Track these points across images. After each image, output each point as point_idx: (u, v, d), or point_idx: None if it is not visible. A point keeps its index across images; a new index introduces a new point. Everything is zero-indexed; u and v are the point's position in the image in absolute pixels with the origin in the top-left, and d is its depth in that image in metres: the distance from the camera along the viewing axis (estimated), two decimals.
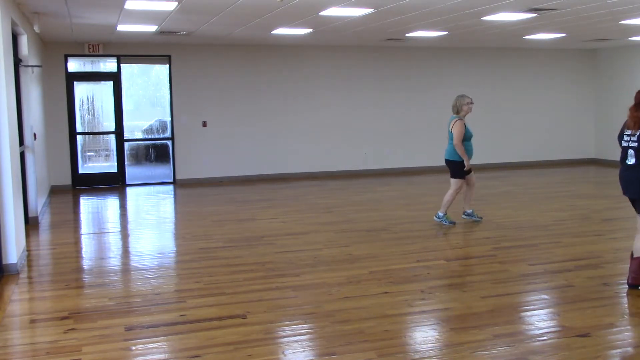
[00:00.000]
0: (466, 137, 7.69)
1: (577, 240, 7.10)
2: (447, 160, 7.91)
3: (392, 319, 4.56)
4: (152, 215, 9.63)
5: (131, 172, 12.47)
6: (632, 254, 5.24)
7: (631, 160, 5.08)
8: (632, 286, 5.17)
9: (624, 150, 5.15)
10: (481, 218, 8.10)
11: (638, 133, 5.02)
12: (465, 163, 7.69)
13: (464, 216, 8.13)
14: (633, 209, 5.31)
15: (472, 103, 7.79)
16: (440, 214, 7.92)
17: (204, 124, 12.57)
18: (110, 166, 12.35)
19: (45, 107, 11.30)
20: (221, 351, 3.96)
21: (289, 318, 4.64)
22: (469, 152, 7.74)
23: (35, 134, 8.97)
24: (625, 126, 5.20)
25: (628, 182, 5.18)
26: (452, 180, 7.83)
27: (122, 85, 12.17)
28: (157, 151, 12.78)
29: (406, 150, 13.85)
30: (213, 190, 11.62)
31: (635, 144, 5.02)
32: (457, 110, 7.77)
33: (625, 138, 5.14)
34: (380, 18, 8.87)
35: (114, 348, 4.07)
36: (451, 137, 7.72)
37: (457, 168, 7.77)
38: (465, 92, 8.21)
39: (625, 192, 5.28)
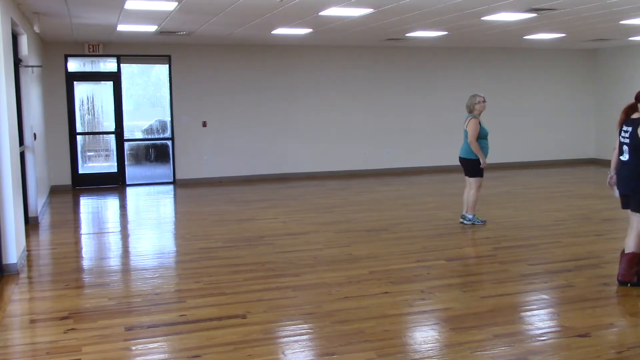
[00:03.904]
0: (481, 136, 7.72)
1: (577, 240, 7.10)
2: (462, 159, 7.93)
3: (392, 319, 4.56)
4: (152, 215, 9.63)
5: (131, 172, 12.47)
6: (622, 251, 5.28)
7: (625, 157, 5.13)
8: (622, 283, 5.22)
9: (620, 146, 5.20)
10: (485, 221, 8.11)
11: (630, 129, 5.06)
12: (482, 161, 7.72)
13: (462, 220, 8.02)
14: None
15: (484, 101, 7.84)
16: (469, 216, 7.89)
17: (204, 124, 12.58)
18: (110, 166, 12.35)
19: (45, 107, 11.30)
20: (221, 351, 3.96)
21: (289, 318, 4.64)
22: (484, 150, 7.77)
23: (35, 134, 8.97)
24: (622, 122, 5.27)
25: (620, 177, 5.22)
26: (471, 180, 7.84)
27: (122, 85, 12.17)
28: (157, 151, 12.78)
29: (406, 150, 13.84)
30: (213, 190, 11.62)
31: (628, 140, 5.07)
32: (470, 110, 7.84)
33: (623, 134, 5.18)
34: (380, 18, 8.87)
35: (114, 348, 4.07)
36: (466, 135, 7.76)
37: (473, 166, 7.79)
38: (465, 92, 8.24)
39: (617, 187, 5.32)
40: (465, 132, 7.79)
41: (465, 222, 7.93)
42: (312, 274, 5.79)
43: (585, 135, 15.21)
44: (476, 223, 7.89)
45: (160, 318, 4.63)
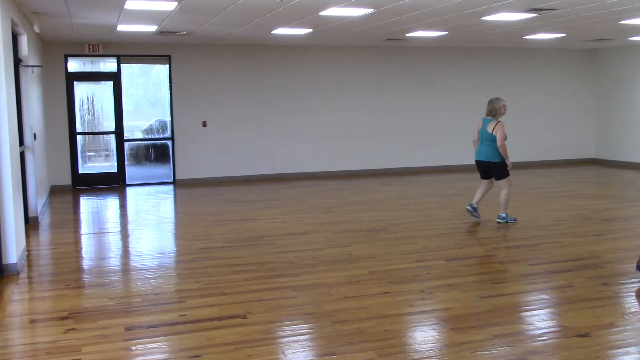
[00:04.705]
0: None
1: (577, 240, 7.10)
2: (484, 162, 7.93)
3: (392, 319, 4.56)
4: (152, 215, 9.63)
5: (131, 172, 12.47)
6: None
7: None
8: None
9: None
10: (479, 217, 8.15)
11: None
12: (508, 163, 7.78)
13: (469, 208, 8.14)
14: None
15: (506, 105, 7.91)
16: (503, 214, 7.99)
17: (204, 124, 12.58)
18: (110, 166, 12.35)
19: (45, 107, 11.30)
20: (221, 351, 3.96)
21: (289, 318, 4.64)
22: None
23: (35, 134, 8.97)
24: None
25: None
26: (502, 181, 7.89)
27: (122, 85, 12.18)
28: (157, 151, 12.78)
29: (406, 150, 13.85)
30: (213, 190, 11.62)
31: None
32: (494, 114, 7.85)
33: None
34: (380, 18, 8.87)
35: (114, 348, 4.06)
36: (490, 139, 7.76)
37: (500, 168, 7.84)
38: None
39: None
40: (489, 135, 7.76)
41: (499, 220, 8.00)
42: (312, 274, 5.79)
43: (585, 135, 15.21)
44: (510, 221, 7.97)
45: (160, 318, 4.63)
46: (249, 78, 12.76)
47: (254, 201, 10.28)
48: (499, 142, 7.69)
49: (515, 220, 8.04)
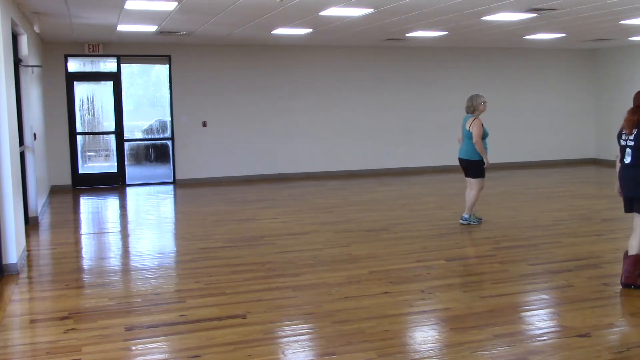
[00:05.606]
0: (482, 136, 7.69)
1: (577, 240, 7.10)
2: (464, 160, 7.86)
3: (392, 319, 4.56)
4: (152, 215, 9.63)
5: (131, 172, 12.47)
6: (626, 253, 5.27)
7: (627, 159, 5.12)
8: (626, 285, 5.18)
9: (622, 149, 5.19)
10: (481, 220, 8.10)
11: (635, 132, 5.05)
12: (485, 161, 7.69)
13: (462, 221, 8.01)
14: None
15: (486, 102, 7.85)
16: (466, 215, 7.90)
17: (204, 124, 12.58)
18: (110, 166, 12.35)
19: (45, 107, 11.30)
20: (221, 351, 3.96)
21: (289, 318, 4.64)
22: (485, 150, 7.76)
23: (35, 134, 8.97)
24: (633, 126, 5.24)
25: (624, 180, 5.21)
26: (474, 181, 7.80)
27: (122, 85, 12.17)
28: (157, 151, 12.78)
29: (406, 150, 13.84)
30: (213, 190, 11.62)
31: (632, 143, 5.06)
32: (472, 110, 7.80)
33: (624, 137, 5.18)
34: (380, 18, 8.87)
35: (114, 348, 4.07)
36: (468, 136, 7.71)
37: (477, 167, 7.76)
38: (465, 92, 8.21)
39: (621, 190, 5.30)
40: (468, 132, 7.73)
41: (461, 222, 7.93)
42: (312, 274, 5.79)
43: (585, 135, 15.21)
44: (472, 223, 7.89)
45: (160, 318, 4.63)
46: (249, 78, 12.76)
47: (254, 201, 10.28)
48: (474, 139, 7.62)
49: (479, 221, 7.93)
